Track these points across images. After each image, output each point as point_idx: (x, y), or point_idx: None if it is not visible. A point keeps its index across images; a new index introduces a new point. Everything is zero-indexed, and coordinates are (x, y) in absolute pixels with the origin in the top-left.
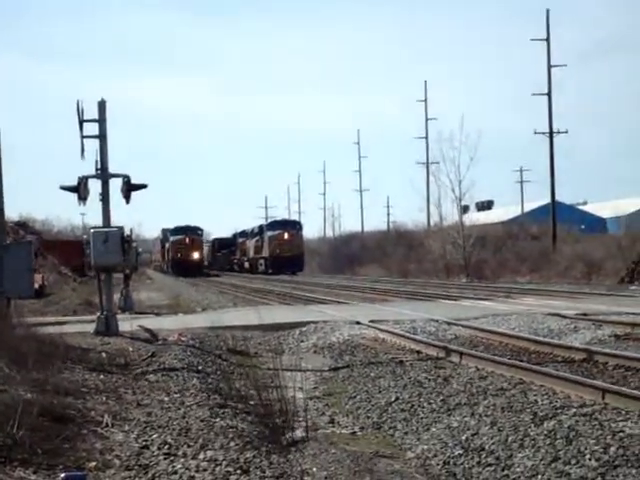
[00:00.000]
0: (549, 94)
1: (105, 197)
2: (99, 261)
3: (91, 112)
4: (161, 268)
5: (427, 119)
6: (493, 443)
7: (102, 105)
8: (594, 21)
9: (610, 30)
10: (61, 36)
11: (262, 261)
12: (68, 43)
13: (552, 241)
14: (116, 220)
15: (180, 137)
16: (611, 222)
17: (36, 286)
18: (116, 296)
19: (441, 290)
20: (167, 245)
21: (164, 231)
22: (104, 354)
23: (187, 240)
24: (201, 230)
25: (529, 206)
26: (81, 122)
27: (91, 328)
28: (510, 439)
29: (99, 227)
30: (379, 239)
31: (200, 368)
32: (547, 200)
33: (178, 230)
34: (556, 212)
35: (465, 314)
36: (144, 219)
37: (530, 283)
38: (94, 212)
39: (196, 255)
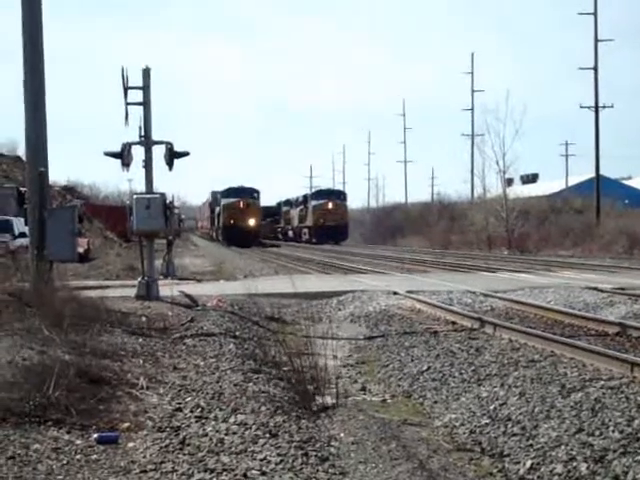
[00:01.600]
0: (595, 68)
1: (148, 164)
2: (141, 227)
3: (135, 79)
4: (210, 236)
5: (473, 91)
6: (520, 414)
7: (146, 72)
8: None
9: None
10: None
11: (306, 230)
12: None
13: (596, 215)
14: (161, 187)
15: (223, 106)
16: None
17: (81, 250)
18: (159, 262)
19: (481, 262)
20: (217, 210)
21: (214, 194)
22: (144, 318)
23: (242, 204)
24: (257, 192)
25: (573, 180)
26: (126, 89)
27: (132, 293)
28: (537, 410)
29: (142, 193)
30: (422, 210)
31: (237, 334)
32: (592, 174)
33: (231, 192)
34: (600, 186)
35: (503, 286)
36: (190, 186)
37: (572, 257)
38: (141, 178)
39: (252, 222)
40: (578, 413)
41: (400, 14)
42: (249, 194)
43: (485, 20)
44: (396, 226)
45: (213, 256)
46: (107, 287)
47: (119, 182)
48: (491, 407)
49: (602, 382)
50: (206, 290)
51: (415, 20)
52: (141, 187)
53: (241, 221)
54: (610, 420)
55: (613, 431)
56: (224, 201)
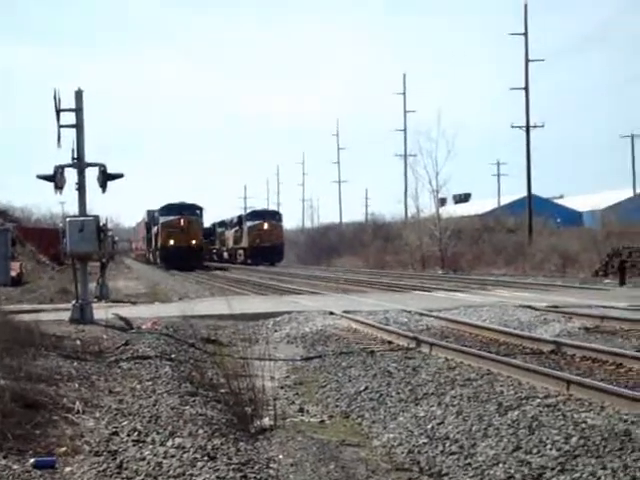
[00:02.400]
0: (526, 88)
1: (81, 186)
2: (75, 250)
3: (68, 100)
4: (146, 258)
5: (405, 112)
6: (458, 432)
7: (79, 95)
8: (571, 16)
9: (586, 25)
10: (37, 17)
11: (241, 251)
12: (44, 25)
13: (528, 234)
14: (94, 209)
15: (156, 125)
16: (587, 216)
17: (13, 274)
18: (92, 285)
19: (416, 281)
20: (155, 229)
21: (150, 213)
22: (78, 342)
23: (182, 222)
24: (200, 209)
25: (506, 199)
26: (58, 111)
27: (67, 316)
28: (474, 428)
29: (75, 216)
30: (356, 230)
31: (173, 356)
32: (523, 194)
33: (170, 209)
34: (532, 205)
35: (438, 305)
36: (124, 207)
37: (505, 276)
38: (74, 200)
39: (194, 242)
40: (515, 431)
41: (333, 39)
42: (191, 211)
43: (417, 40)
44: (331, 246)
45: (147, 278)
46: (41, 311)
47: (52, 205)
48: (429, 426)
49: (538, 400)
50: (141, 313)
51: (350, 45)
52: (74, 210)
53: (182, 241)
54: (547, 438)
55: (551, 449)
56: (162, 219)
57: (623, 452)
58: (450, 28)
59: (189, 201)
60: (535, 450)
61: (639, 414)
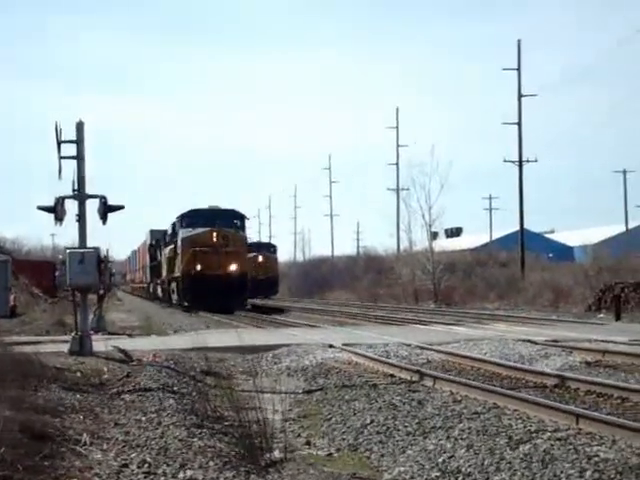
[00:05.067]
0: (519, 123)
1: (82, 217)
2: (75, 281)
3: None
4: (148, 292)
5: (398, 145)
6: (470, 466)
7: (80, 126)
8: (562, 52)
9: (577, 61)
10: (25, 55)
11: None
12: (35, 62)
13: (520, 268)
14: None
15: (141, 160)
16: (578, 251)
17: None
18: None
19: (411, 315)
20: (167, 251)
21: (155, 234)
22: (79, 373)
23: (218, 237)
24: (241, 218)
25: (498, 234)
26: (59, 143)
27: (65, 348)
28: (486, 462)
29: (75, 247)
30: (349, 263)
31: (175, 389)
32: (515, 228)
33: (197, 217)
34: (524, 240)
35: (437, 339)
36: (113, 241)
37: (499, 309)
38: (63, 233)
39: (235, 267)
40: (528, 465)
41: (323, 72)
42: (228, 220)
43: (410, 75)
44: (323, 279)
45: (139, 310)
46: (38, 342)
47: (41, 236)
48: (439, 460)
49: (549, 433)
50: (139, 345)
51: (339, 78)
52: (64, 241)
53: (217, 267)
54: (562, 472)
55: None
56: (185, 232)
57: None
58: (442, 62)
59: (223, 205)
60: None
61: None
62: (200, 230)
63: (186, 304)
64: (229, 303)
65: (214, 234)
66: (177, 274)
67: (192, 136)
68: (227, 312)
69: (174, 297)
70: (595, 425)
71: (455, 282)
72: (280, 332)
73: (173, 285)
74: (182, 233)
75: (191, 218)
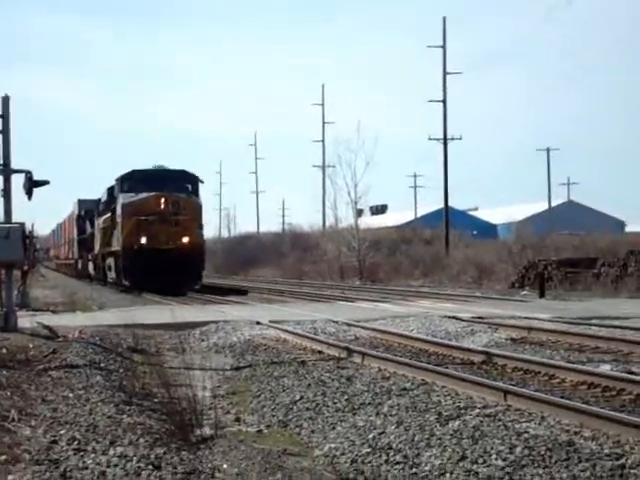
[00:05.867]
0: (444, 101)
1: (7, 193)
2: (0, 257)
3: None
4: (76, 269)
5: (324, 122)
6: (400, 442)
7: (6, 100)
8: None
9: (501, 40)
10: None
11: None
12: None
13: (445, 246)
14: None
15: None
16: (502, 228)
17: None
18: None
19: (337, 292)
20: (100, 222)
21: (83, 203)
22: (4, 350)
23: (165, 203)
24: (193, 180)
25: (422, 211)
26: None
27: None
28: (417, 438)
29: (1, 223)
30: (275, 240)
31: (102, 365)
32: (440, 205)
33: (140, 180)
34: (449, 217)
35: (364, 315)
36: (35, 215)
37: (423, 287)
38: None
39: (187, 240)
40: (459, 441)
41: (251, 49)
42: (178, 183)
43: (336, 52)
44: (248, 256)
45: (63, 287)
46: None
47: None
48: (370, 436)
49: (477, 410)
50: (64, 321)
51: (265, 54)
52: None
53: (165, 239)
54: (492, 448)
55: (496, 459)
56: (125, 198)
57: (570, 462)
58: (368, 39)
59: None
60: (481, 460)
61: (580, 424)
62: (144, 195)
63: (126, 284)
64: (180, 283)
65: (162, 200)
66: (115, 248)
67: (116, 112)
68: (177, 294)
69: (110, 275)
70: (523, 401)
71: (380, 259)
72: (207, 309)
73: (109, 261)
74: (122, 198)
75: (133, 181)
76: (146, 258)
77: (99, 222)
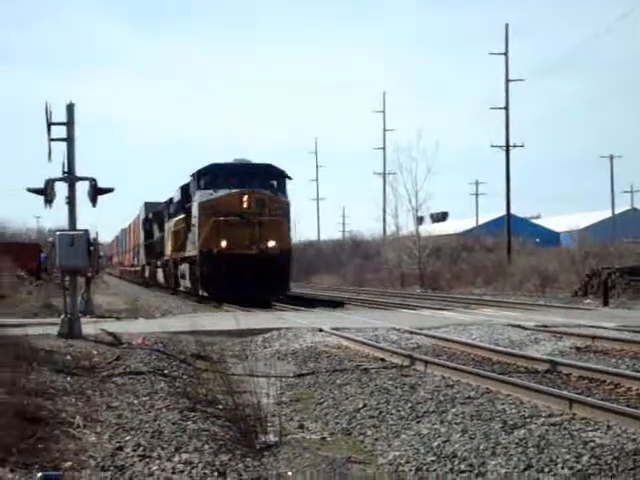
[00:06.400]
0: (507, 108)
1: (71, 200)
2: (65, 263)
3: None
4: (142, 277)
5: (385, 129)
6: (465, 450)
7: (70, 108)
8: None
9: (564, 49)
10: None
11: None
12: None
13: (507, 253)
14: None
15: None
16: (565, 236)
17: None
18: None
19: (399, 299)
20: (172, 225)
21: (150, 207)
22: (69, 356)
23: (251, 202)
24: (280, 176)
25: (484, 219)
26: (49, 125)
27: (53, 331)
28: (482, 447)
29: (65, 230)
30: (335, 248)
31: (166, 372)
32: (502, 213)
33: (222, 174)
34: (511, 225)
35: (426, 323)
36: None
37: (485, 295)
38: (47, 215)
39: (273, 243)
40: (524, 450)
41: (308, 59)
42: (263, 180)
43: (395, 60)
44: (309, 263)
45: (126, 294)
46: (27, 325)
47: (26, 219)
48: (434, 444)
49: (542, 419)
50: (128, 328)
51: (324, 63)
52: (49, 224)
53: (249, 243)
54: (558, 457)
55: (562, 467)
56: (203, 196)
57: (637, 471)
58: (428, 48)
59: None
60: (547, 469)
61: None
62: (225, 192)
63: (204, 294)
64: (265, 293)
65: (245, 198)
66: (191, 253)
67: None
68: (262, 305)
69: (184, 284)
70: (589, 410)
71: (441, 267)
72: (269, 316)
73: (183, 268)
74: (199, 196)
75: (212, 176)
76: (227, 264)
77: (170, 225)
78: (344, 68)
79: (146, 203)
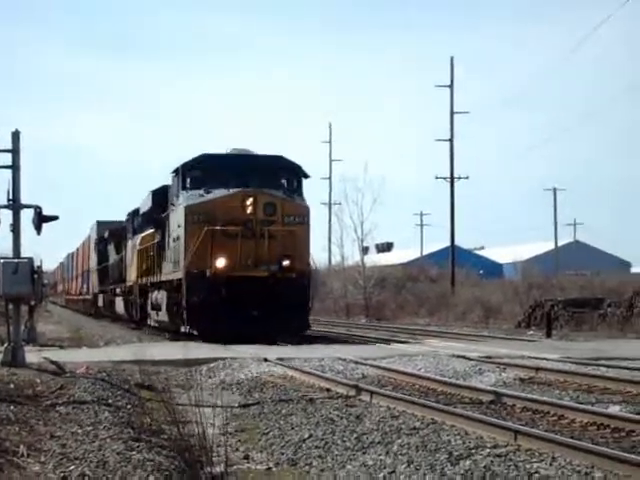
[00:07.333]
0: (451, 140)
1: (16, 228)
2: (8, 292)
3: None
4: (94, 307)
5: (331, 160)
6: None
7: (16, 135)
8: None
9: (511, 84)
10: None
11: None
12: None
13: (451, 284)
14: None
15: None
16: (508, 267)
17: None
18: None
19: (344, 329)
20: (137, 241)
21: (101, 226)
22: (12, 385)
23: (256, 204)
24: (295, 172)
25: (428, 249)
26: None
27: None
28: (427, 478)
29: (8, 257)
30: None
31: (110, 401)
32: (446, 244)
33: (216, 167)
34: (455, 256)
35: (371, 354)
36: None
37: (430, 325)
38: None
39: (287, 262)
40: None
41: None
42: (274, 176)
43: (343, 90)
44: None
45: (68, 322)
46: None
47: None
48: (380, 475)
49: (488, 450)
50: (71, 357)
51: (272, 93)
52: None
53: (254, 262)
54: None
55: None
56: (191, 198)
57: None
58: (376, 76)
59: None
60: None
61: (591, 465)
62: (221, 193)
63: (192, 331)
64: (279, 328)
65: (249, 200)
66: (169, 276)
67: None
68: (273, 342)
69: (157, 317)
70: (534, 442)
71: (386, 297)
72: (214, 346)
73: (156, 296)
74: (186, 199)
75: (203, 172)
76: (225, 291)
77: (135, 242)
78: (292, 95)
79: (98, 222)
